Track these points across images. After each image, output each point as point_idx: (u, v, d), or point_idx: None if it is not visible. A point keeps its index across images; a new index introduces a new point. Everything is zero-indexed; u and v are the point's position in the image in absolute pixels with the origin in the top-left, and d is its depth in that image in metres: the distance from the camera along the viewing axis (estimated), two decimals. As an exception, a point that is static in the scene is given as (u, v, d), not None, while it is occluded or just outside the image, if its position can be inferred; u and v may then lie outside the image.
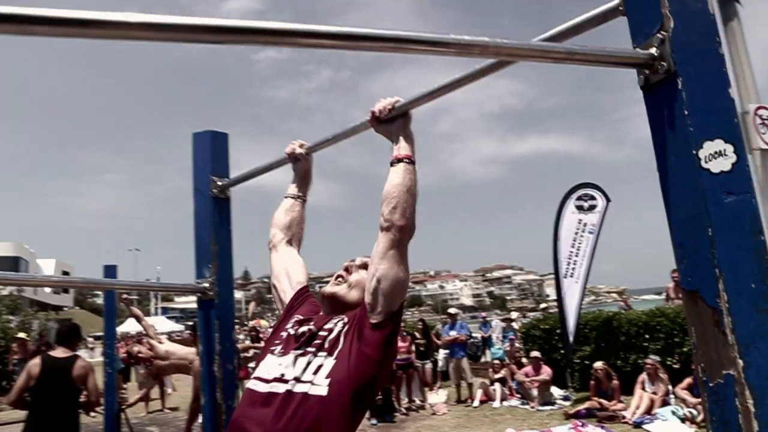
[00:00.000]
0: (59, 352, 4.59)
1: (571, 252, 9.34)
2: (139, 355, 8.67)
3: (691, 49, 0.98)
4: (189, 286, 2.14)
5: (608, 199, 9.57)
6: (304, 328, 1.54)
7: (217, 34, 0.94)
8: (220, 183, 2.22)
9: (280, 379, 1.41)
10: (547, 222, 9.85)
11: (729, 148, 0.94)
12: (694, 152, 0.94)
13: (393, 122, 1.53)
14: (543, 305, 15.16)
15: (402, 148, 1.50)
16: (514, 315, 16.48)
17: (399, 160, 1.48)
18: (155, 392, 10.54)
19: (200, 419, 5.27)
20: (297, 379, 1.39)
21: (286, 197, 1.95)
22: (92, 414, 9.62)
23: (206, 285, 2.12)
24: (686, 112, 0.95)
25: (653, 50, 1.00)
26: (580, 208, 9.62)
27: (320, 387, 1.36)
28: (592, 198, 9.54)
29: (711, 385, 0.92)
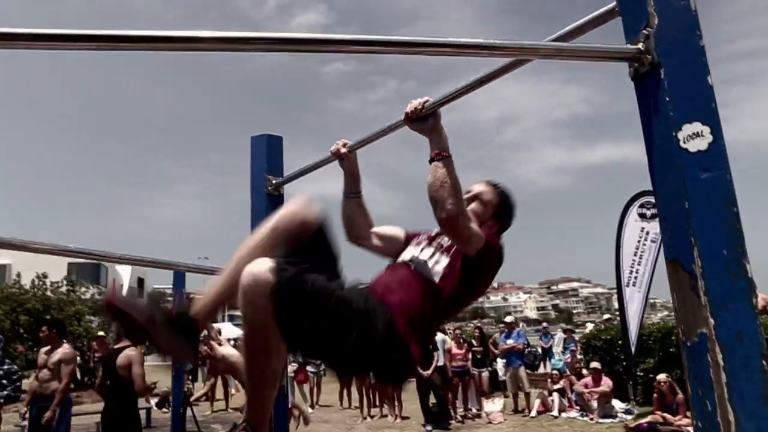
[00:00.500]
0: (119, 344, 4.99)
1: (634, 260, 9.11)
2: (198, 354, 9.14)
3: (673, 43, 1.08)
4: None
5: (672, 206, 9.27)
6: (428, 233, 1.95)
7: (277, 44, 1.14)
8: (274, 181, 2.44)
9: (411, 259, 1.83)
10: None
11: (706, 130, 1.04)
12: (674, 134, 1.04)
13: (425, 121, 1.70)
14: (606, 316, 14.63)
15: (433, 147, 1.67)
16: (589, 326, 15.81)
17: (432, 160, 1.65)
18: (220, 392, 11.06)
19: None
20: (423, 262, 1.78)
21: (348, 197, 2.10)
22: (164, 410, 10.21)
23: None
24: (668, 99, 1.06)
25: (640, 45, 1.11)
26: (642, 216, 9.38)
27: (437, 275, 1.72)
28: (655, 206, 9.28)
29: (689, 344, 1.02)
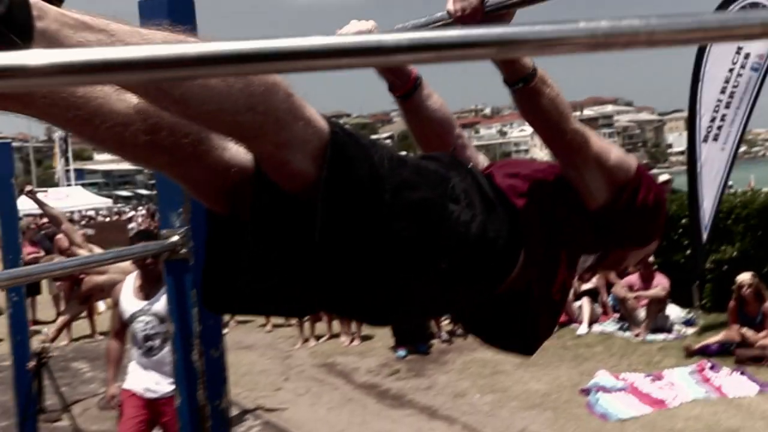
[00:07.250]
0: None
1: (719, 102, 8.82)
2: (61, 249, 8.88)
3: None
4: (151, 245, 2.43)
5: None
6: None
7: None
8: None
9: None
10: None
11: None
12: None
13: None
14: (665, 176, 14.59)
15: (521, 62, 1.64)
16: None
17: (526, 80, 1.64)
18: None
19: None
20: None
21: (400, 100, 2.01)
22: None
23: (176, 239, 2.20)
24: None
25: None
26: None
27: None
28: (765, 7, 8.75)
29: None
